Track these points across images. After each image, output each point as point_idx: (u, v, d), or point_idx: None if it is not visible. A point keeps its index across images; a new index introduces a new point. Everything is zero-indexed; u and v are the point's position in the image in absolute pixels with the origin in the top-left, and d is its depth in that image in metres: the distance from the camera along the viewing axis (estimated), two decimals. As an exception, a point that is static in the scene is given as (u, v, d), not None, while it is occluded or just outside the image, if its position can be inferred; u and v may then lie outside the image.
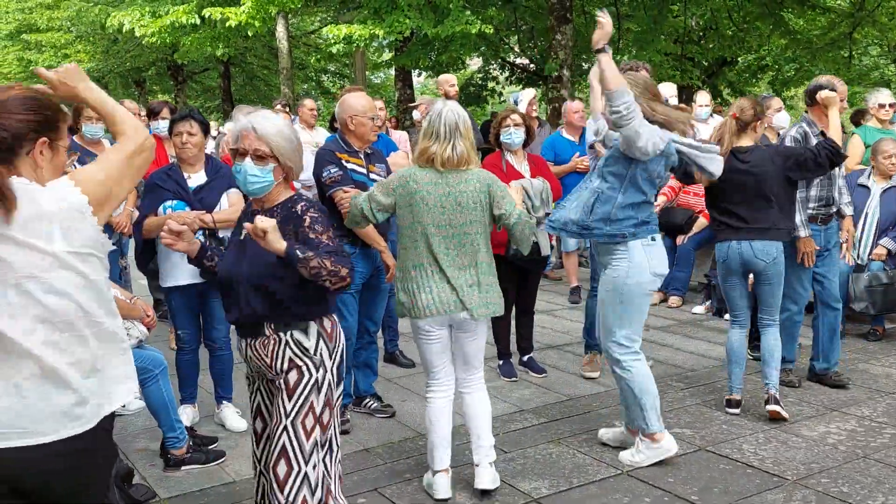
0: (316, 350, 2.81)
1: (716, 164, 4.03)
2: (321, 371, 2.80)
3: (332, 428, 2.89)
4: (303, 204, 2.82)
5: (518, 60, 21.57)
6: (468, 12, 13.11)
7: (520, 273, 5.35)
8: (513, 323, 5.53)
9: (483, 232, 3.55)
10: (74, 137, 5.62)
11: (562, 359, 5.84)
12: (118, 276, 5.98)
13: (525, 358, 5.57)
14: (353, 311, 4.54)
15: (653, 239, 3.95)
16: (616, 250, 3.92)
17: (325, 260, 2.65)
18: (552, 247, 6.88)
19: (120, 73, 25.65)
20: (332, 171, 4.33)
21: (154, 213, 4.25)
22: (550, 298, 7.67)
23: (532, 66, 20.71)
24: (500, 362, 5.47)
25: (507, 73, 22.36)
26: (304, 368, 2.78)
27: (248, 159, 2.80)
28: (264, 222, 2.61)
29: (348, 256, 2.77)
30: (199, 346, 4.53)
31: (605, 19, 3.78)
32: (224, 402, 4.59)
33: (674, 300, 7.47)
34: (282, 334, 2.79)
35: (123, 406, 4.77)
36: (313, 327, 2.81)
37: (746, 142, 4.55)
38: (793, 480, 3.78)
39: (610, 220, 3.88)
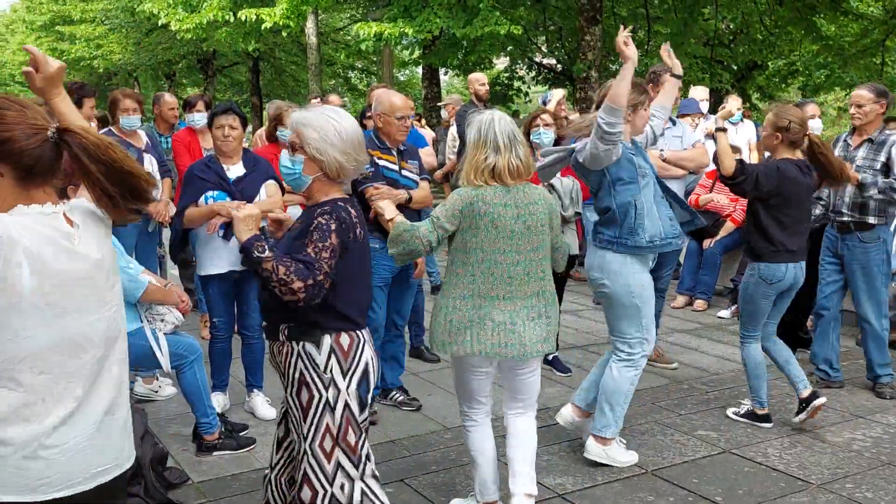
0: (326, 367, 2.66)
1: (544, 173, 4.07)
2: (331, 390, 2.66)
3: (362, 448, 2.74)
4: (327, 208, 2.66)
5: (545, 60, 21.59)
6: (497, 13, 13.15)
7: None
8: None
9: (548, 257, 3.30)
10: (112, 128, 5.73)
11: (586, 359, 5.87)
12: (156, 264, 6.09)
13: (550, 357, 5.60)
14: (382, 304, 4.61)
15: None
16: None
17: (280, 266, 2.52)
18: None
19: (151, 65, 25.95)
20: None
21: (195, 204, 4.34)
22: (575, 299, 7.70)
23: (559, 66, 20.72)
24: (526, 360, 5.49)
25: (533, 73, 22.39)
26: (314, 387, 2.66)
27: (285, 149, 2.78)
28: (241, 210, 2.65)
29: (321, 272, 2.57)
30: (233, 334, 4.62)
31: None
32: (254, 390, 4.68)
33: (699, 304, 7.47)
34: (294, 343, 2.68)
35: (156, 391, 4.91)
36: (326, 341, 2.66)
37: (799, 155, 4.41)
38: (817, 485, 3.80)
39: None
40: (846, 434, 4.43)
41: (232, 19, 14.81)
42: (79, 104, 5.25)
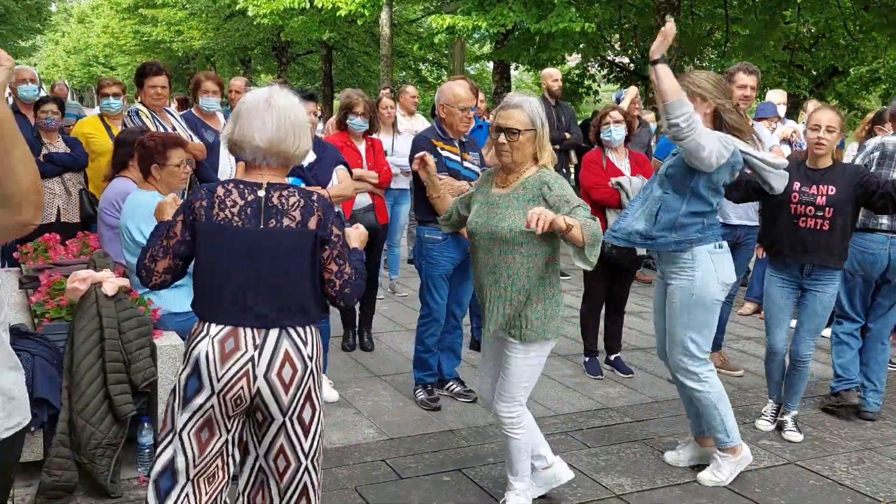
0: None
1: (781, 181, 3.80)
2: None
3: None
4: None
5: (618, 59, 21.32)
6: (573, 9, 13.01)
7: (612, 271, 5.34)
8: (601, 321, 5.53)
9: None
10: (192, 110, 5.87)
11: (649, 361, 5.80)
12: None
13: (612, 357, 5.55)
14: (443, 295, 4.63)
15: (719, 246, 3.72)
16: (681, 259, 3.70)
17: None
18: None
19: (228, 51, 26.52)
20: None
21: None
22: (639, 301, 7.60)
23: (632, 65, 20.42)
24: (587, 359, 5.47)
25: (605, 71, 22.12)
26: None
27: None
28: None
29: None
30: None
31: (669, 29, 3.51)
32: (317, 372, 4.74)
33: (767, 312, 7.28)
34: None
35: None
36: None
37: None
38: (885, 503, 3.68)
39: (675, 227, 3.66)
40: (918, 454, 4.29)
41: (308, 6, 15.01)
42: (140, 85, 5.55)
